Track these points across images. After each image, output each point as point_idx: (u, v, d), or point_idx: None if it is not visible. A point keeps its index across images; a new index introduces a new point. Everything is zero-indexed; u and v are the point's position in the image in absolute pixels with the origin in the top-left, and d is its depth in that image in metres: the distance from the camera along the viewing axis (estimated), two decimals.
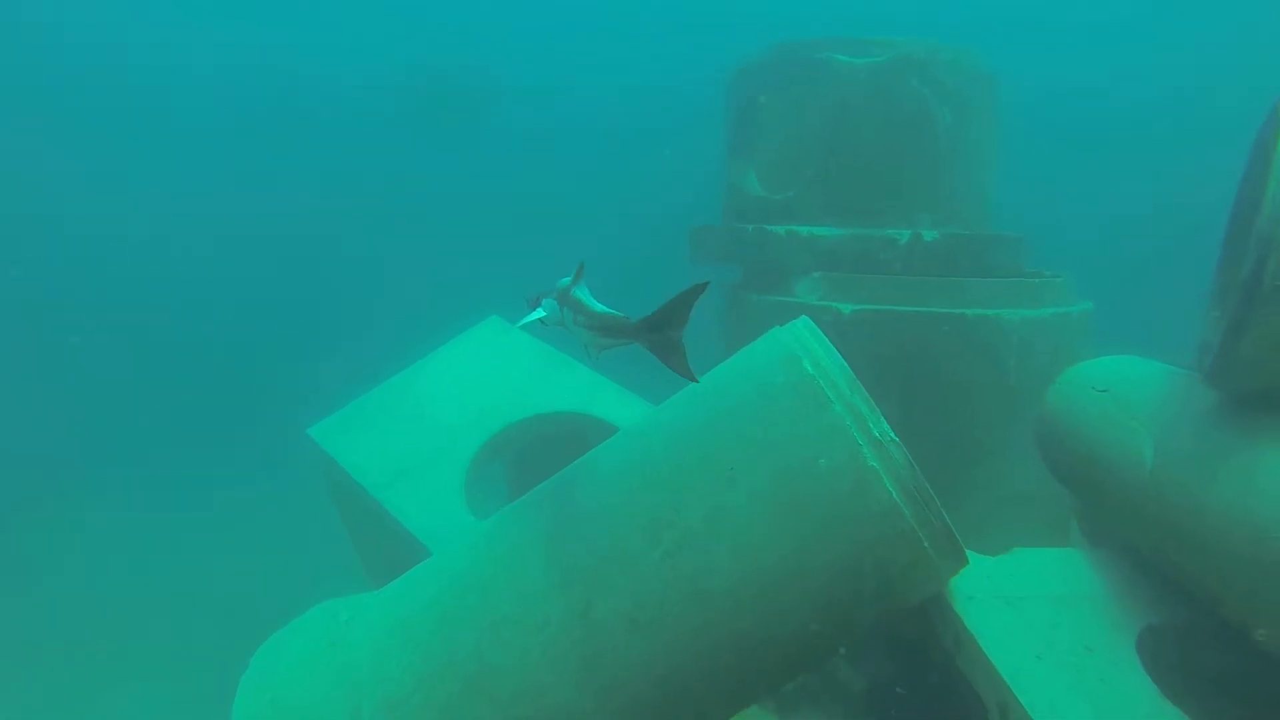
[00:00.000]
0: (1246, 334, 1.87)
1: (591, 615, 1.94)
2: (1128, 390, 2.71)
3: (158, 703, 6.21)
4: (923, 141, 4.42)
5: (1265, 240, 1.77)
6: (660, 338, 1.82)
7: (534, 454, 4.57)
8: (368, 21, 16.87)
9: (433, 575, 2.33)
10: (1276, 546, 1.82)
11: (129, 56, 15.41)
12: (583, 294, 2.17)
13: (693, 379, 1.84)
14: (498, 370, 4.38)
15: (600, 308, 2.06)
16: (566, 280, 2.23)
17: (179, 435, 11.59)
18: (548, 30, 16.95)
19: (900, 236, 4.26)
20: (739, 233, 4.65)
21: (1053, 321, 4.07)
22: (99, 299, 13.85)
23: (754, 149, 5.05)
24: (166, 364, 13.53)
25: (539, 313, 2.36)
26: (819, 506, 1.90)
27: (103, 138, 15.08)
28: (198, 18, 16.04)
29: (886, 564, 1.89)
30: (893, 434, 1.92)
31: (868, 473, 1.87)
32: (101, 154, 14.98)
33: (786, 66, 4.69)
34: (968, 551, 1.97)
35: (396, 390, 4.30)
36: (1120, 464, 2.47)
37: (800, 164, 4.69)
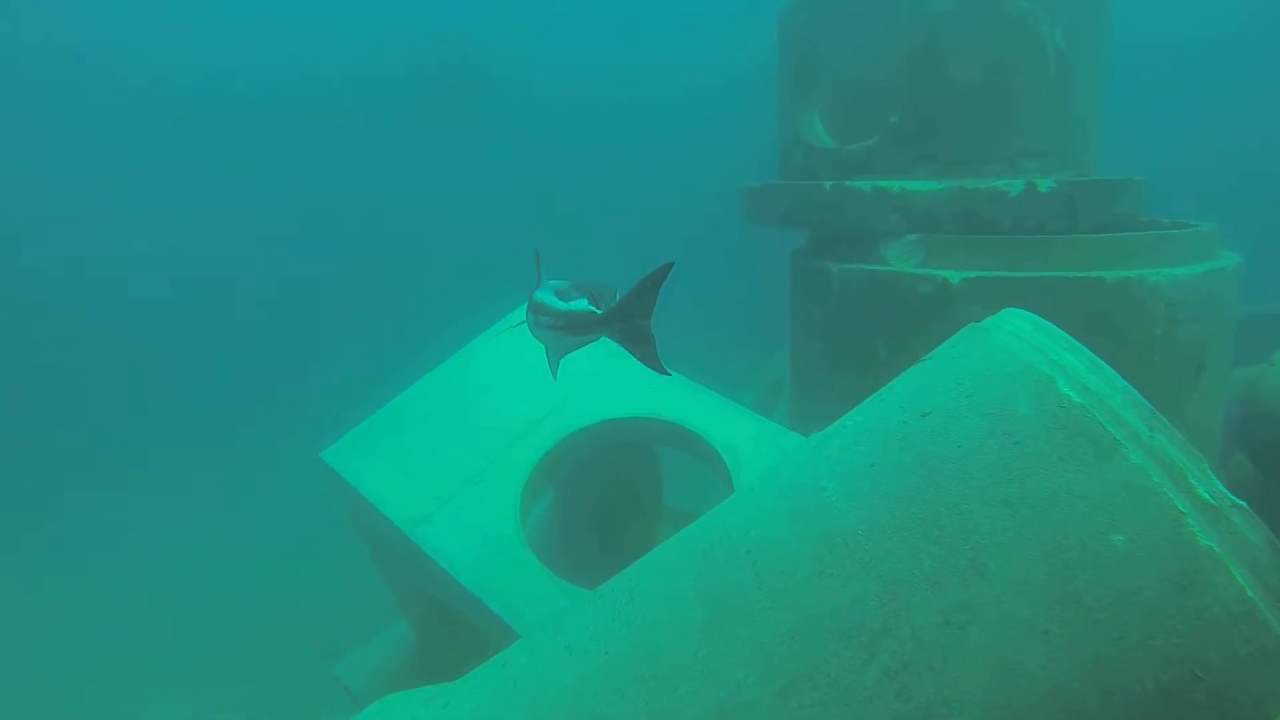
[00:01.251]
0: None
1: None
2: None
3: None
4: (1030, 71, 3.71)
5: None
6: (629, 326, 1.75)
7: (588, 467, 3.95)
8: (368, 13, 16.29)
9: (545, 680, 1.72)
10: None
11: (133, 53, 14.85)
12: (545, 294, 2.06)
13: (663, 372, 1.77)
14: (540, 366, 3.72)
15: (565, 305, 1.94)
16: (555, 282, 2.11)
17: (184, 434, 11.09)
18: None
19: (1011, 188, 3.57)
20: (812, 191, 3.96)
21: (1206, 281, 3.41)
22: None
23: (820, 91, 4.35)
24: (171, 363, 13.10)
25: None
26: (1118, 606, 1.28)
27: (105, 134, 14.47)
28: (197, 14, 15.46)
29: (1232, 692, 1.27)
30: (1231, 494, 1.28)
31: (1199, 557, 1.24)
32: (99, 152, 14.32)
33: None
34: None
35: (425, 397, 3.65)
36: None
37: (880, 107, 3.99)
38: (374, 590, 4.30)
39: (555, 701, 1.62)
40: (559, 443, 3.42)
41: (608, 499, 4.22)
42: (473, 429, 3.49)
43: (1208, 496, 1.26)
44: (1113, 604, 1.27)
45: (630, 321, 1.78)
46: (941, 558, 1.36)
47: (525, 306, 2.24)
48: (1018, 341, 1.55)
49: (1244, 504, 1.26)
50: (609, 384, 3.61)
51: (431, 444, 3.43)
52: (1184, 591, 1.23)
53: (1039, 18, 3.62)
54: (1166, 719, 1.28)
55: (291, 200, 14.95)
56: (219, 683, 6.32)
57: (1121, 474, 1.30)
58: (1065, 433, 1.37)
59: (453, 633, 3.31)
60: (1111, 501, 1.30)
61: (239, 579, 7.73)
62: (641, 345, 1.78)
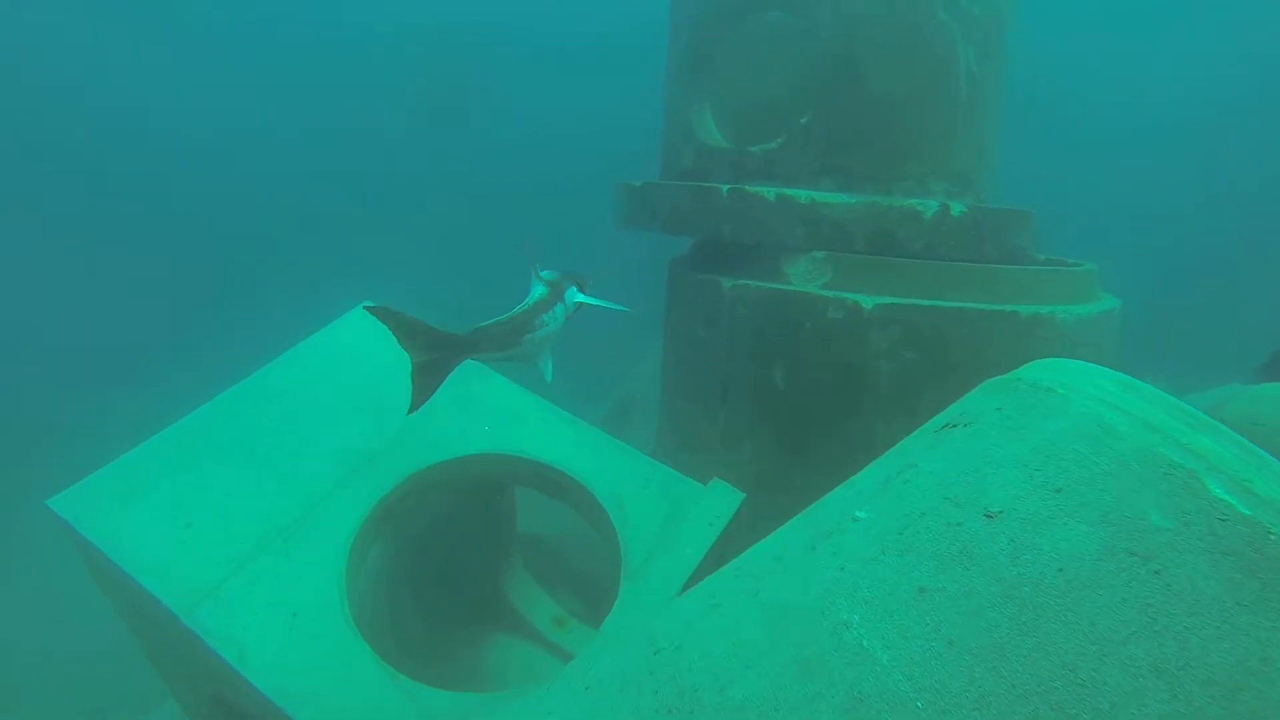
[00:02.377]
0: None
1: None
2: None
3: None
4: (945, 89, 3.45)
5: None
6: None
7: (435, 511, 3.23)
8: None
9: None
10: None
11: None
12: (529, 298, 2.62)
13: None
14: (377, 387, 2.97)
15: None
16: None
17: None
18: None
19: (925, 209, 3.28)
20: (706, 194, 3.48)
21: (1101, 322, 3.28)
22: None
23: (715, 84, 3.89)
24: None
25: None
26: None
27: None
28: None
29: None
30: None
31: None
32: None
33: None
34: None
35: (216, 424, 2.77)
36: None
37: (783, 108, 3.59)
38: None
39: None
40: (401, 483, 2.68)
41: (459, 546, 3.50)
42: (283, 466, 2.66)
43: None
44: None
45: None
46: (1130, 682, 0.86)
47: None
48: (1114, 412, 1.08)
49: None
50: (463, 412, 2.92)
51: (223, 486, 2.56)
52: None
53: (956, 35, 3.37)
54: None
55: None
56: None
57: None
58: (1236, 563, 0.90)
59: None
60: None
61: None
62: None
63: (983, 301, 3.08)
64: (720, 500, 2.65)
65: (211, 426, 2.75)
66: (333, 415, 2.83)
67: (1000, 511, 1.06)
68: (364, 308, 3.23)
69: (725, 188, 3.42)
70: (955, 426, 1.29)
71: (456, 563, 3.55)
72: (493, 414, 2.91)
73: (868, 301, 3.08)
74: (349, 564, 2.49)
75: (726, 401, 3.51)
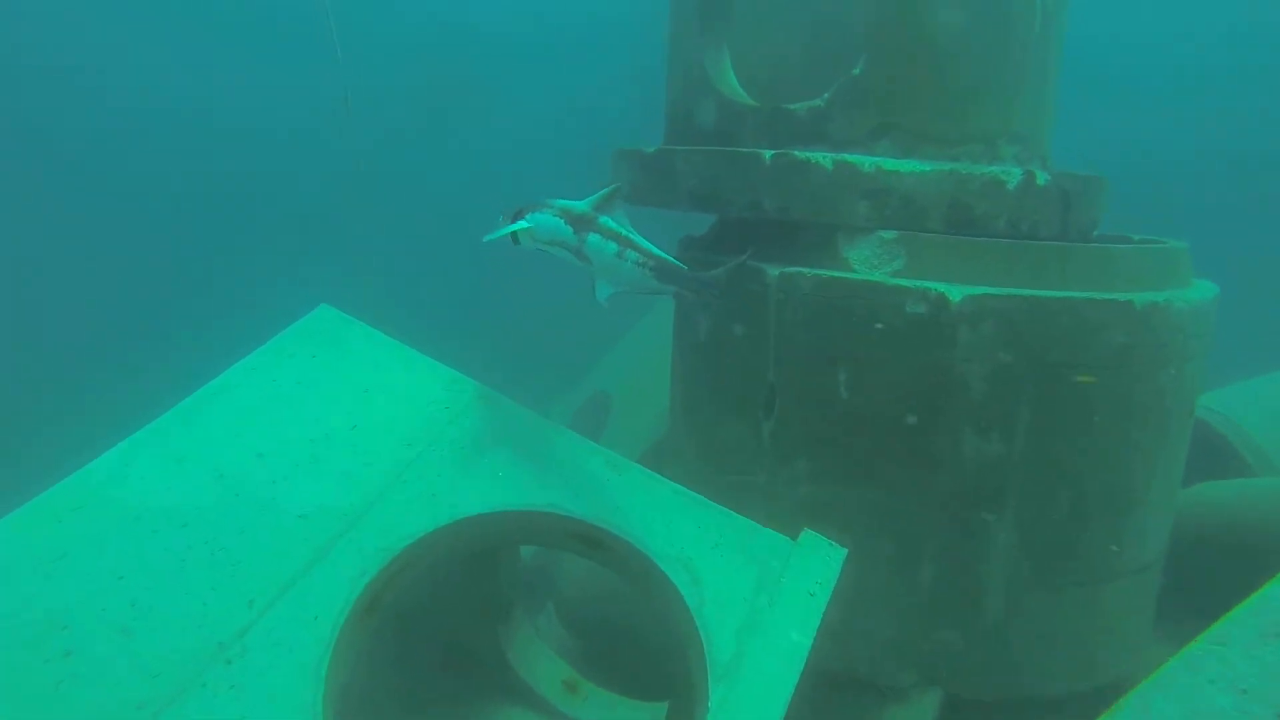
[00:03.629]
0: None
1: None
2: None
3: None
4: (1015, 22, 2.89)
5: None
6: (706, 291, 2.15)
7: (438, 586, 2.57)
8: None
9: None
10: None
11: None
12: (625, 228, 2.10)
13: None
14: (347, 418, 2.28)
15: (653, 247, 2.08)
16: (572, 202, 2.11)
17: None
18: None
19: (1008, 177, 2.73)
20: (745, 162, 2.84)
21: (1209, 310, 2.82)
22: None
23: (736, 26, 3.24)
24: None
25: (521, 224, 2.11)
26: None
27: None
28: None
29: None
30: None
31: None
32: None
33: None
34: None
35: (107, 493, 2.04)
36: None
37: (833, 52, 2.97)
38: None
39: None
40: (392, 560, 2.00)
41: (454, 614, 2.83)
42: (219, 549, 1.95)
43: None
44: None
45: (710, 290, 2.16)
46: None
47: (533, 219, 2.13)
48: None
49: None
50: (464, 452, 2.24)
51: (126, 588, 1.84)
52: None
53: None
54: None
55: None
56: None
57: None
58: None
59: None
60: None
61: None
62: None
63: (1090, 289, 2.56)
64: (818, 559, 2.07)
65: (108, 493, 2.02)
66: (287, 464, 2.12)
67: None
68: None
69: (769, 153, 2.78)
70: None
71: (451, 633, 2.88)
72: (505, 452, 2.24)
73: (954, 292, 2.52)
74: (328, 675, 1.81)
75: (773, 414, 2.92)
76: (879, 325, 2.62)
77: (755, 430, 3.00)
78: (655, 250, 2.07)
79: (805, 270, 2.76)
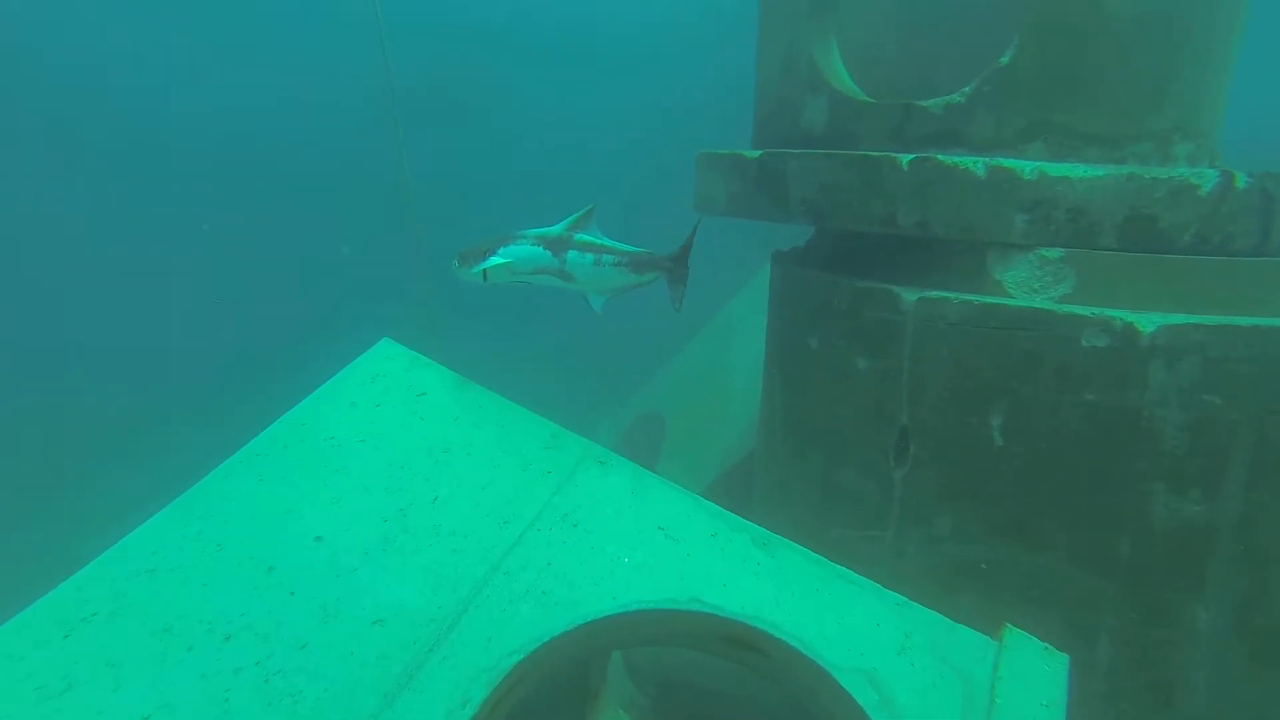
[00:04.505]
0: None
1: None
2: None
3: None
4: (1215, 10, 2.47)
5: None
6: (679, 271, 2.31)
7: (545, 696, 2.10)
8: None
9: None
10: None
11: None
12: (596, 238, 2.30)
13: (679, 310, 2.32)
14: (426, 485, 1.84)
15: (624, 246, 2.29)
16: (544, 229, 2.26)
17: None
18: None
19: (1200, 181, 2.29)
20: (876, 169, 2.41)
21: None
22: None
23: (844, 11, 2.81)
24: None
25: (495, 260, 2.18)
26: None
27: None
28: None
29: None
30: None
31: None
32: None
33: None
34: None
35: (121, 590, 1.62)
36: None
37: (955, 42, 2.55)
38: None
39: None
40: (509, 673, 1.56)
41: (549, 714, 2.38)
42: (291, 659, 1.51)
43: None
44: None
45: (681, 266, 2.28)
46: None
47: (506, 253, 2.22)
48: None
49: None
50: (581, 532, 1.80)
51: (179, 716, 1.41)
52: None
53: None
54: None
55: None
56: None
57: None
58: None
59: None
60: None
61: None
62: (678, 286, 2.31)
63: None
64: (1037, 668, 1.63)
65: (126, 595, 1.59)
66: (355, 551, 1.69)
67: None
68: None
69: (905, 158, 2.35)
70: None
71: None
72: (627, 529, 1.80)
73: (1146, 322, 2.09)
74: None
75: (906, 460, 2.48)
76: (1049, 360, 2.19)
77: (883, 479, 2.57)
78: (626, 248, 2.26)
79: (951, 295, 2.33)
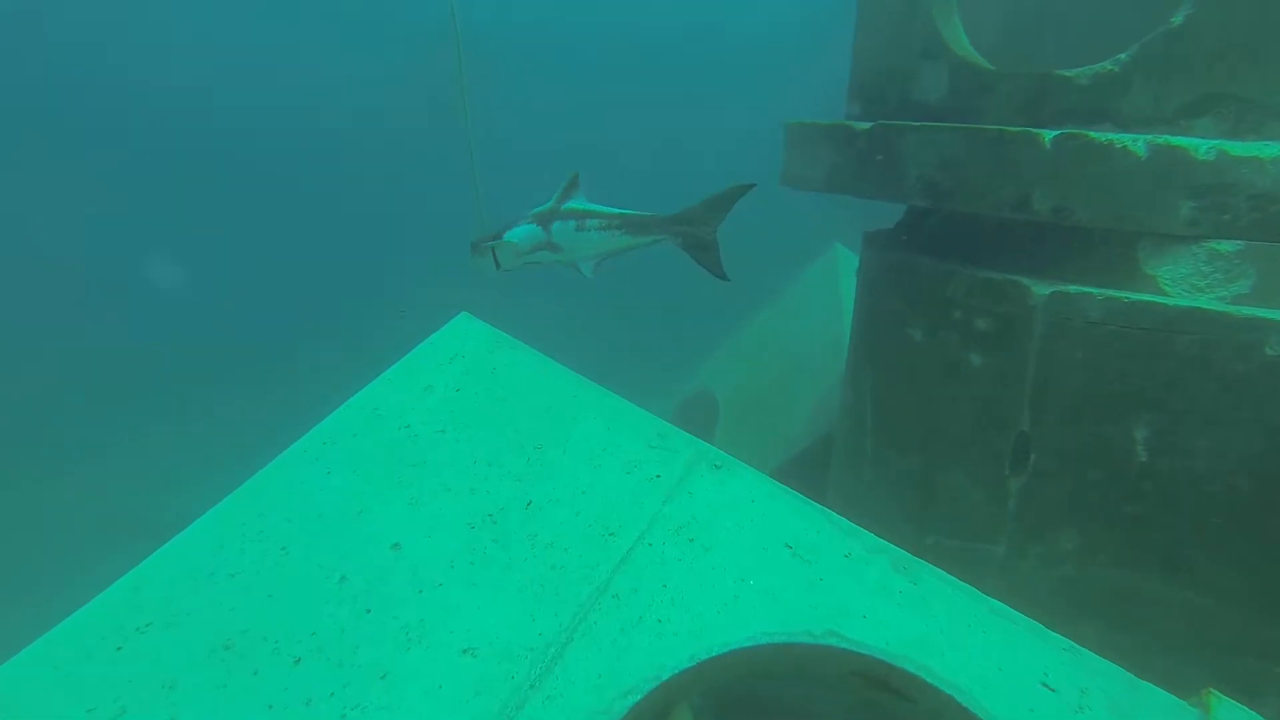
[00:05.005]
0: None
1: None
2: None
3: None
4: None
5: None
6: (691, 232, 2.06)
7: None
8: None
9: None
10: None
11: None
12: (582, 204, 2.21)
13: (724, 278, 2.05)
14: (524, 484, 1.61)
15: (613, 209, 2.16)
16: (538, 208, 2.22)
17: None
18: None
19: None
20: (1013, 146, 2.13)
21: None
22: None
23: None
24: None
25: (511, 239, 2.17)
26: None
27: None
28: None
29: None
30: None
31: None
32: None
33: None
34: None
35: (218, 564, 1.40)
36: None
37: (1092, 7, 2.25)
38: None
39: None
40: (638, 705, 1.34)
41: None
42: (368, 692, 1.30)
43: None
44: None
45: (694, 228, 2.04)
46: None
47: (514, 235, 2.21)
48: None
49: None
50: (698, 548, 1.57)
51: None
52: None
53: None
54: None
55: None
56: None
57: None
58: None
59: None
60: None
61: None
62: (706, 253, 2.06)
63: None
64: None
65: (179, 596, 1.37)
66: (437, 564, 1.47)
67: None
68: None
69: (1049, 134, 2.07)
70: None
71: None
72: (749, 545, 1.56)
73: None
74: None
75: (1025, 469, 2.24)
76: (1214, 369, 1.92)
77: (995, 487, 2.32)
78: (614, 210, 2.15)
79: (1094, 291, 2.06)
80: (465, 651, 1.38)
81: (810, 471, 3.67)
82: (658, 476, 1.68)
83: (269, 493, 1.60)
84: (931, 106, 2.52)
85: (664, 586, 1.50)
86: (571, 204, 2.21)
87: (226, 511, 1.58)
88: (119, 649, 1.36)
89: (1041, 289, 2.14)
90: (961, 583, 1.59)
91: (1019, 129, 2.14)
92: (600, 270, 2.26)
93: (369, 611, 1.43)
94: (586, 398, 1.79)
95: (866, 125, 2.48)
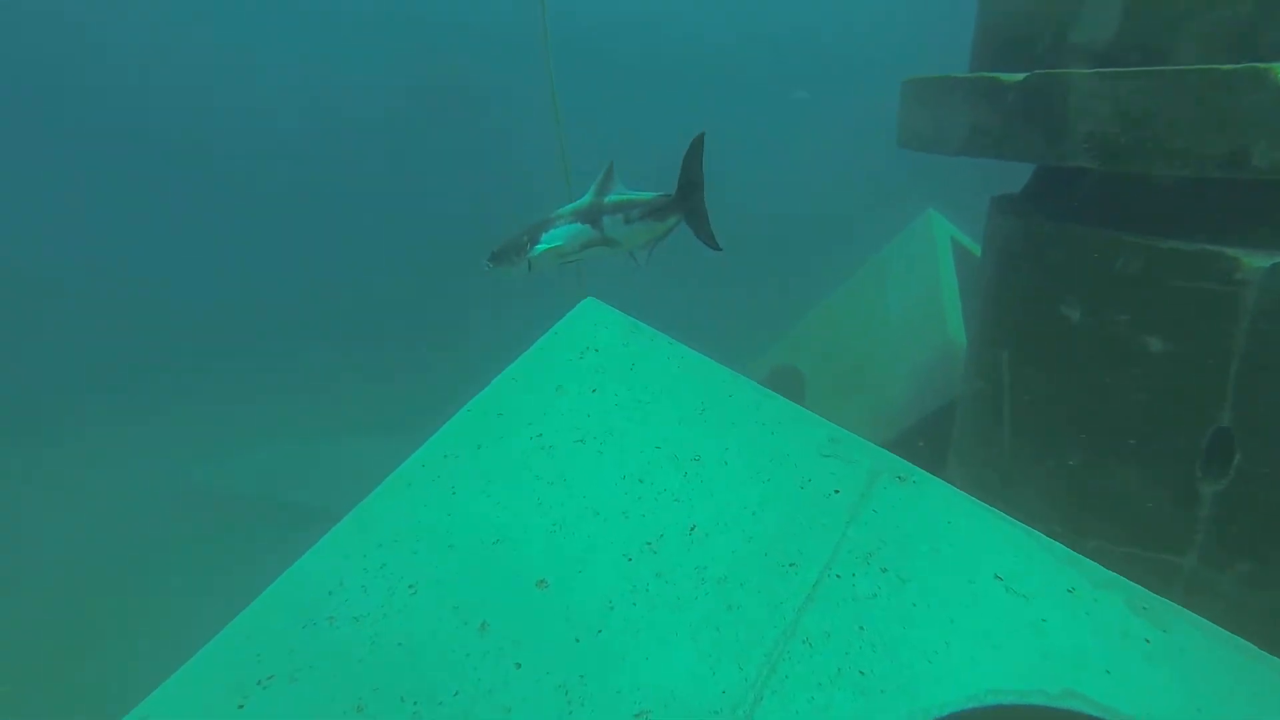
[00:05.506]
0: None
1: None
2: None
3: None
4: None
5: None
6: (690, 206, 1.97)
7: None
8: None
9: None
10: None
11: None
12: (621, 194, 2.11)
13: (718, 248, 1.94)
14: (686, 503, 1.36)
15: (642, 195, 2.07)
16: (571, 205, 2.13)
17: None
18: None
19: None
20: (1221, 90, 1.80)
21: None
22: None
23: None
24: None
25: (541, 248, 2.09)
26: None
27: None
28: None
29: None
30: None
31: None
32: None
33: None
34: None
35: (342, 601, 1.18)
36: None
37: None
38: None
39: None
40: None
41: None
42: None
43: None
44: None
45: (689, 201, 1.95)
46: None
47: (552, 238, 2.12)
48: None
49: None
50: (895, 580, 1.30)
51: None
52: None
53: None
54: None
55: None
56: None
57: None
58: None
59: None
60: None
61: None
62: (700, 223, 1.96)
63: None
64: None
65: (300, 645, 1.16)
66: (593, 603, 1.24)
67: None
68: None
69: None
70: None
71: None
72: (955, 578, 1.31)
73: None
74: None
75: (1226, 472, 1.94)
76: None
77: (1183, 491, 2.03)
78: (648, 195, 2.06)
79: None
80: (639, 716, 1.15)
81: (914, 458, 3.40)
82: (836, 492, 1.42)
83: (387, 518, 1.38)
84: (1098, 52, 2.18)
85: (860, 629, 1.25)
86: (613, 196, 2.12)
87: (340, 541, 1.36)
88: (241, 707, 1.16)
89: (1257, 261, 1.83)
90: (1224, 632, 1.32)
91: (1236, 66, 1.81)
92: (651, 258, 2.17)
93: (519, 667, 1.20)
94: (744, 397, 1.53)
95: (1018, 76, 2.15)
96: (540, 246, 2.10)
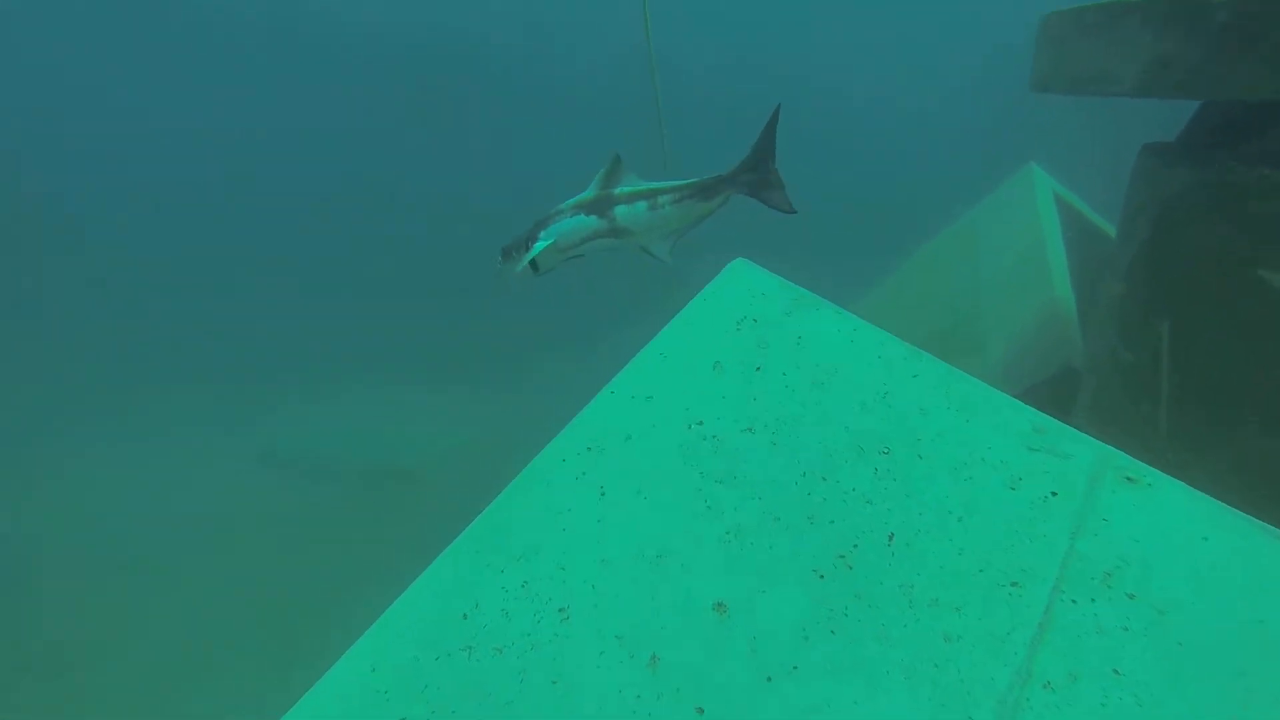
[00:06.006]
0: None
1: None
2: None
3: None
4: None
5: None
6: (755, 178, 1.92)
7: None
8: None
9: None
10: None
11: None
12: (641, 184, 2.09)
13: (792, 211, 1.90)
14: (876, 504, 1.11)
15: (678, 181, 2.03)
16: (575, 198, 2.09)
17: None
18: None
19: None
20: None
21: None
22: None
23: None
24: None
25: (542, 244, 2.05)
26: None
27: None
28: None
29: None
30: None
31: None
32: None
33: None
34: None
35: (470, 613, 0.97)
36: None
37: None
38: None
39: None
40: None
41: None
42: None
43: None
44: None
45: (757, 172, 1.90)
46: None
47: (550, 233, 2.08)
48: None
49: None
50: (1142, 605, 1.05)
51: None
52: None
53: None
54: None
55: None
56: None
57: None
58: None
59: None
60: None
61: None
62: (775, 192, 1.90)
63: None
64: None
65: (437, 683, 0.98)
66: (784, 634, 1.02)
67: None
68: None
69: None
70: None
71: None
72: (1209, 601, 1.05)
73: None
74: None
75: None
76: None
77: None
78: (682, 181, 2.01)
79: None
80: None
81: None
82: (1053, 494, 1.18)
83: (524, 526, 1.17)
84: None
85: (1116, 673, 1.02)
86: (625, 187, 2.08)
87: (469, 550, 1.16)
88: None
89: None
90: None
91: None
92: (675, 251, 2.11)
93: (701, 713, 0.99)
94: (930, 376, 1.28)
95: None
96: (539, 245, 2.06)
